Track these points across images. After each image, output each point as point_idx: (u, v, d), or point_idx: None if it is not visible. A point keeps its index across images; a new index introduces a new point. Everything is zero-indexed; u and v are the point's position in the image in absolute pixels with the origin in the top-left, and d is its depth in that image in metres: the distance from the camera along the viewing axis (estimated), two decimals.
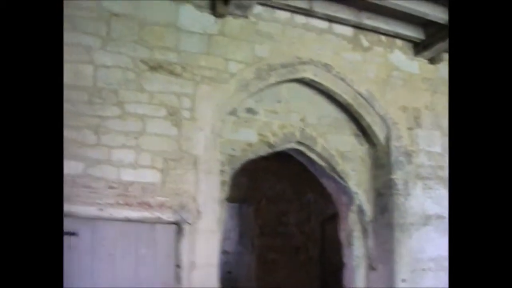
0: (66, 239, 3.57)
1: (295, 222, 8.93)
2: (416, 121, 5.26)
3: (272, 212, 8.85)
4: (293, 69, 4.82)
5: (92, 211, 3.86)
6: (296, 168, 6.23)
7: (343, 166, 5.12)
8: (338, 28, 5.03)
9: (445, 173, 5.21)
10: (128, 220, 3.99)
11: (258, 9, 4.63)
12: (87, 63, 4.11)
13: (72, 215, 3.72)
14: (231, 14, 4.52)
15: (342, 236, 5.36)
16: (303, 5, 4.70)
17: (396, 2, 4.51)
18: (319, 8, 4.75)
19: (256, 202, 8.85)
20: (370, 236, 5.13)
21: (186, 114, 4.30)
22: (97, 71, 4.13)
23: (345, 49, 5.07)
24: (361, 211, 5.17)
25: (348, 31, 5.09)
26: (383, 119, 5.08)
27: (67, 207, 3.35)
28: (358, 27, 5.06)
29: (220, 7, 4.44)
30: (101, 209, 3.89)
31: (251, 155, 4.77)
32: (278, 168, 8.24)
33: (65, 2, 4.02)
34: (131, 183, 4.03)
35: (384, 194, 5.06)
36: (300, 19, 4.86)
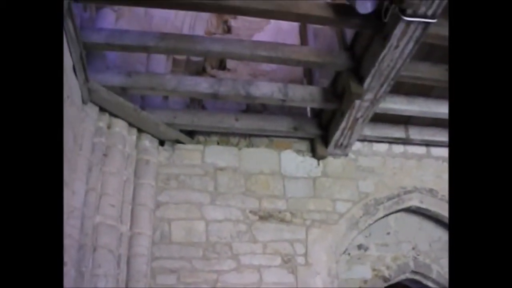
0: None
1: None
2: None
3: None
4: (399, 200, 4.75)
5: None
6: None
7: None
8: (436, 151, 5.00)
9: None
10: None
11: (357, 145, 4.70)
12: (199, 219, 4.22)
13: None
14: (331, 154, 4.61)
15: None
16: (400, 134, 4.76)
17: None
18: (415, 135, 4.79)
19: None
20: None
21: (300, 260, 4.25)
22: (209, 226, 4.21)
23: (447, 170, 4.98)
24: None
25: (446, 152, 5.03)
26: None
27: None
28: None
29: (320, 150, 4.55)
30: None
31: None
32: None
33: (172, 163, 4.31)
34: None
35: None
36: (398, 148, 4.88)
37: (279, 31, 5.40)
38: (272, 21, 5.52)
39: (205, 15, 5.00)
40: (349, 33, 4.02)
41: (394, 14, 3.08)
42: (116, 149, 3.76)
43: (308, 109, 5.07)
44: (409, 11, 3.00)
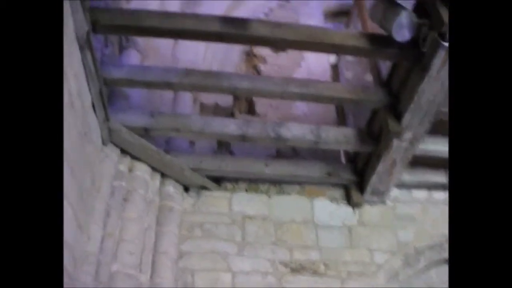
0: None
1: None
2: None
3: None
4: (441, 249, 4.34)
5: None
6: None
7: None
8: None
9: None
10: None
11: (394, 192, 4.37)
12: (225, 270, 3.91)
13: None
14: (367, 202, 4.29)
15: None
16: (441, 179, 4.41)
17: None
18: None
19: None
20: None
21: None
22: (236, 278, 3.89)
23: None
24: None
25: None
26: None
27: None
28: None
29: (356, 197, 4.24)
30: None
31: None
32: None
33: (197, 210, 4.06)
34: None
35: None
36: (439, 195, 4.52)
37: (310, 75, 5.23)
38: (303, 64, 5.39)
39: (233, 59, 4.89)
40: (384, 68, 3.82)
41: (434, 41, 2.85)
42: (137, 194, 3.53)
43: (342, 153, 4.81)
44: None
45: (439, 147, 3.99)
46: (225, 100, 5.18)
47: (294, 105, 5.24)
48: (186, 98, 4.75)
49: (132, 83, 3.23)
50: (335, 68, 5.53)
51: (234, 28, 2.93)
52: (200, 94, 5.09)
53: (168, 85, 3.30)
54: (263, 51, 5.81)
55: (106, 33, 2.92)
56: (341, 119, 5.06)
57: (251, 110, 5.18)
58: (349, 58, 5.64)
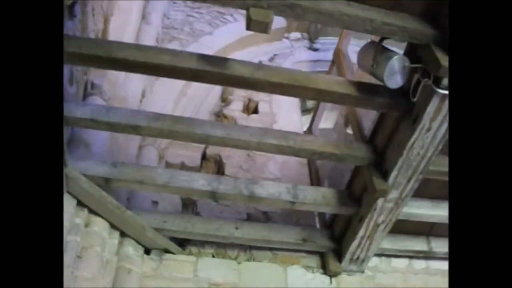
0: None
1: None
2: None
3: None
4: None
5: None
6: None
7: None
8: None
9: None
10: None
11: (374, 261, 4.05)
12: None
13: None
14: (345, 271, 3.94)
15: None
16: (422, 247, 4.14)
17: None
18: (439, 247, 4.17)
19: None
20: None
21: None
22: None
23: None
24: None
25: None
26: None
27: None
28: None
29: (333, 265, 3.90)
30: None
31: None
32: None
33: (158, 275, 3.59)
34: None
35: None
36: (420, 264, 4.23)
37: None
38: (276, 126, 5.20)
39: (208, 108, 4.63)
40: (367, 127, 3.63)
41: (427, 88, 2.66)
42: (93, 251, 3.09)
43: (317, 220, 4.51)
44: (444, 81, 2.59)
45: (423, 211, 3.75)
46: (192, 159, 4.88)
47: (266, 168, 4.97)
48: (152, 155, 4.45)
49: (96, 124, 2.87)
50: (309, 131, 5.36)
51: (213, 66, 2.68)
52: (165, 152, 4.77)
53: (135, 129, 2.96)
54: (233, 112, 5.61)
55: (72, 62, 2.61)
56: (315, 185, 4.80)
57: (220, 171, 4.87)
58: (322, 124, 5.51)
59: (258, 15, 2.27)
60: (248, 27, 2.31)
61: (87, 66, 3.40)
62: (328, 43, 7.78)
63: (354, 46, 5.19)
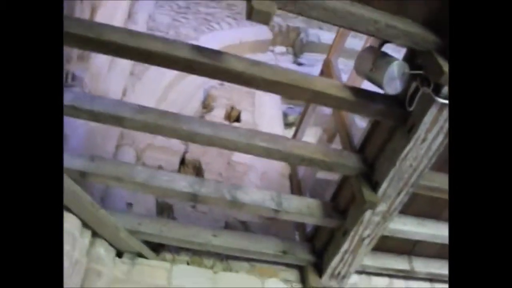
0: None
1: None
2: None
3: None
4: None
5: None
6: None
7: None
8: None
9: None
10: None
11: (353, 278, 3.92)
12: None
13: None
14: (324, 286, 3.79)
15: None
16: (404, 266, 4.04)
17: None
18: (420, 267, 4.07)
19: None
20: None
21: None
22: None
23: None
24: None
25: None
26: None
27: None
28: None
29: (313, 280, 3.75)
30: None
31: None
32: None
33: (129, 279, 3.40)
34: None
35: None
36: (400, 283, 4.13)
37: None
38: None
39: (190, 114, 4.47)
40: (356, 137, 3.54)
41: (425, 97, 2.58)
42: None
43: (296, 233, 4.38)
44: (444, 90, 2.52)
45: (408, 227, 3.65)
46: (170, 163, 4.70)
47: (246, 176, 4.82)
48: (129, 156, 4.27)
49: (77, 112, 2.69)
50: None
51: (207, 58, 2.55)
52: (143, 154, 4.59)
53: (118, 120, 2.79)
54: (215, 119, 5.48)
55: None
56: (297, 191, 4.68)
57: (199, 175, 4.70)
58: (305, 139, 5.40)
59: (261, 5, 2.15)
60: (249, 17, 2.19)
61: (74, 47, 3.21)
62: (312, 59, 7.74)
63: (340, 65, 5.09)
